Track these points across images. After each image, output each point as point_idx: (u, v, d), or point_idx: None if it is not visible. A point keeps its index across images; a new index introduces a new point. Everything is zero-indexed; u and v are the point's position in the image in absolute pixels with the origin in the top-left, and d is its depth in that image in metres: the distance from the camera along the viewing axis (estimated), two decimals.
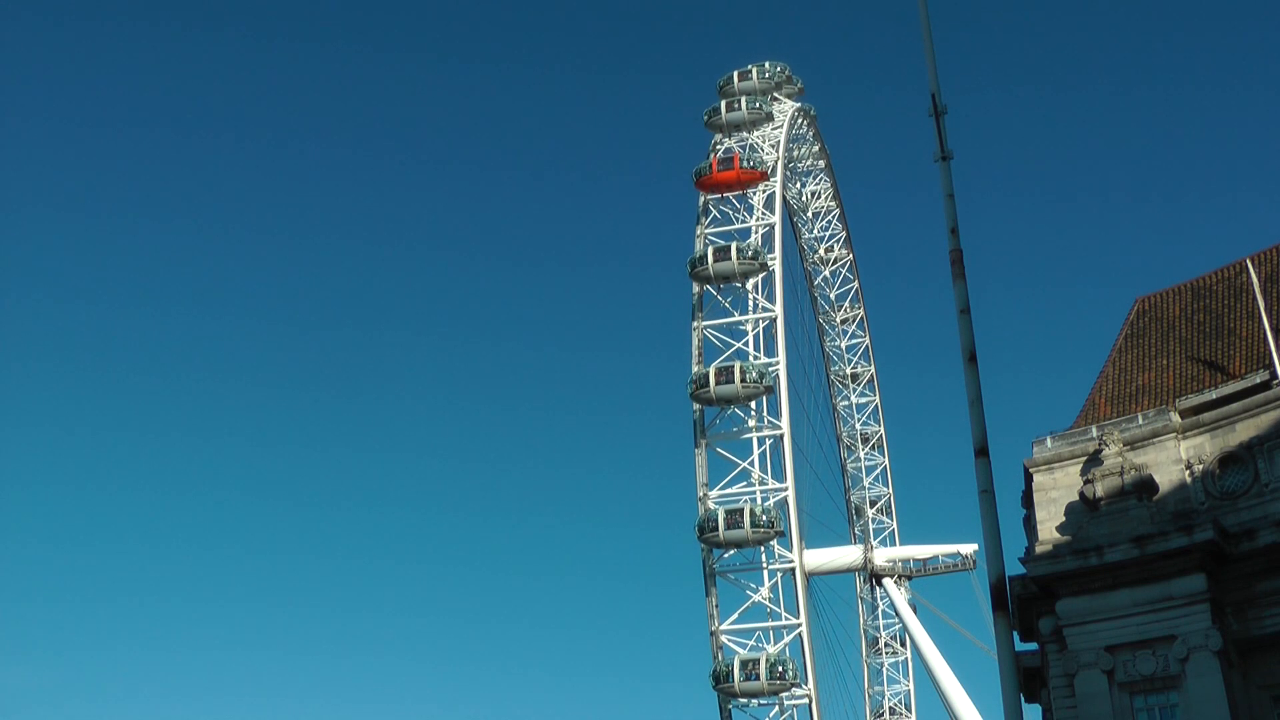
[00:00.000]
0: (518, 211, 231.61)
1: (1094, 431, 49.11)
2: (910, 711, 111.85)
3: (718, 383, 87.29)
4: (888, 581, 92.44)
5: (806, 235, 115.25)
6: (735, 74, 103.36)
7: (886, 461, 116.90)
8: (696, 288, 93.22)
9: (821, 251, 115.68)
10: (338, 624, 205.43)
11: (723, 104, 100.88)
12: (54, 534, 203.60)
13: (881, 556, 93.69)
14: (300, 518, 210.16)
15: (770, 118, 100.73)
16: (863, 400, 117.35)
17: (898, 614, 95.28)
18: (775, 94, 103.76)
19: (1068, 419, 52.57)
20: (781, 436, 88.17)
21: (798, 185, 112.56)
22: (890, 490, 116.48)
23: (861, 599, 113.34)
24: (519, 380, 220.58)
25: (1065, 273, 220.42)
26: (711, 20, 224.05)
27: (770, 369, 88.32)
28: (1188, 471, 47.31)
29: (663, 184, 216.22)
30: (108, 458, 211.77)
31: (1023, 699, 42.63)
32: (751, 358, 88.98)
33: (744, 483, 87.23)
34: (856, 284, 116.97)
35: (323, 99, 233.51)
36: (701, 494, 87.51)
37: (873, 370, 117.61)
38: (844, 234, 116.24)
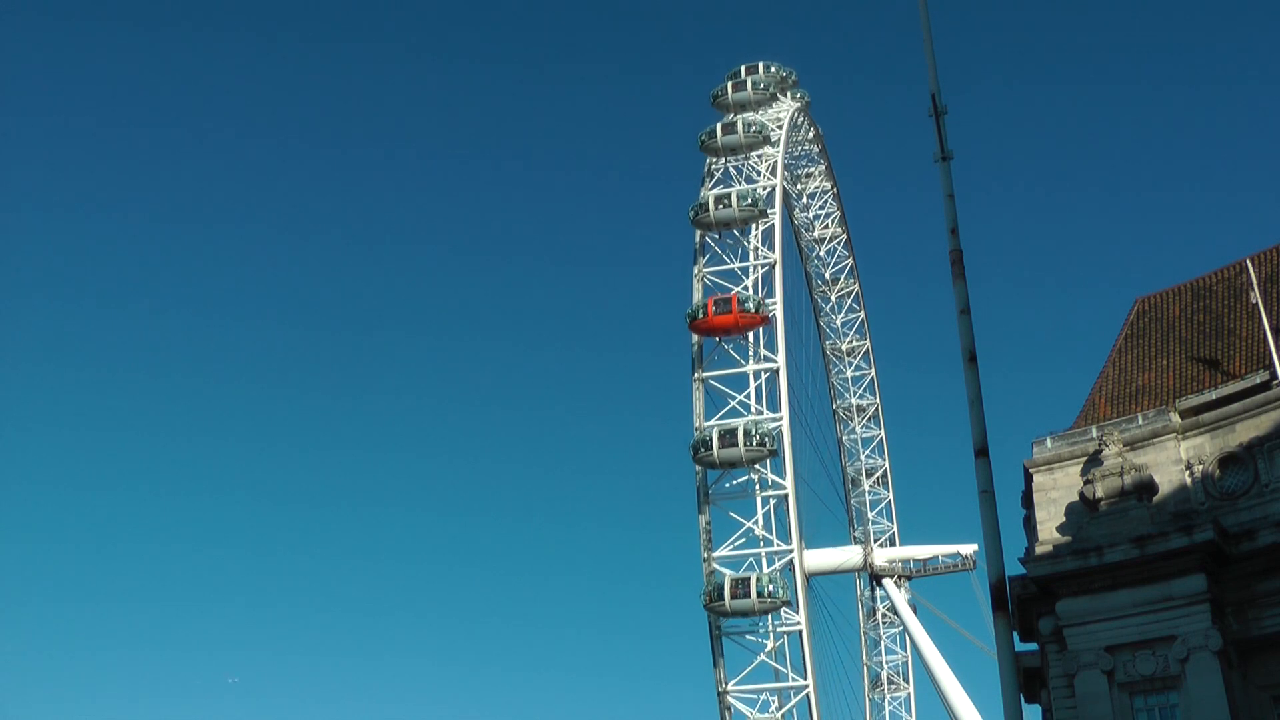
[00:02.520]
0: (517, 211, 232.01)
1: (1094, 432, 49.09)
2: (910, 714, 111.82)
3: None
4: (888, 582, 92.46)
5: (806, 235, 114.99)
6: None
7: (887, 463, 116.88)
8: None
9: (818, 244, 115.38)
10: (338, 624, 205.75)
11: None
12: (54, 534, 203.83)
13: (882, 557, 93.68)
14: (300, 518, 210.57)
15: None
16: (864, 403, 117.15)
17: (898, 614, 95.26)
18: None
19: (1068, 419, 52.62)
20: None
21: (792, 173, 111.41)
22: (890, 495, 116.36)
23: (862, 603, 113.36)
24: (519, 380, 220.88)
25: (1065, 273, 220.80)
26: (711, 20, 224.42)
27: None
28: (1188, 472, 47.29)
29: (663, 184, 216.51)
30: (108, 458, 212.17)
31: (1023, 699, 42.70)
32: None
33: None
34: (857, 286, 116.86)
35: (323, 99, 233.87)
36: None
37: (873, 373, 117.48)
38: (844, 234, 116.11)
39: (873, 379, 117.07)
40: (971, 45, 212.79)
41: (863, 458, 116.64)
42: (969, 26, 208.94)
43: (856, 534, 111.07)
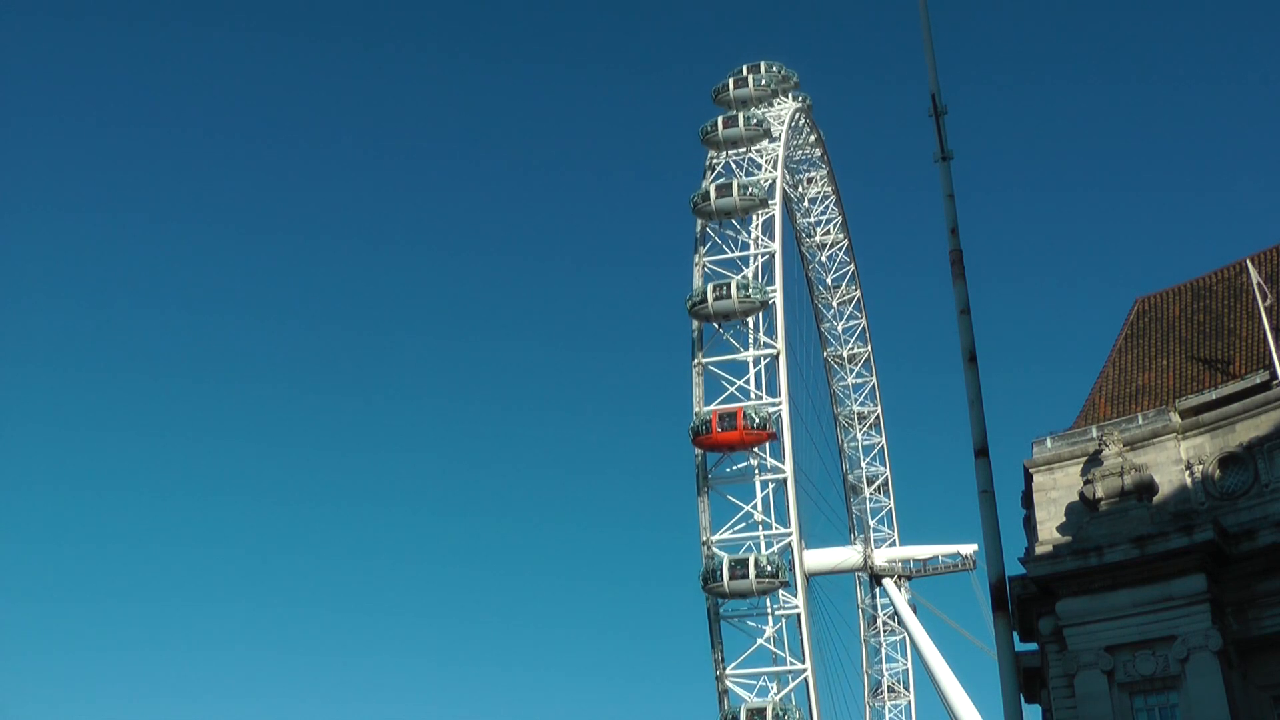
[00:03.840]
0: (517, 211, 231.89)
1: (1094, 432, 49.08)
2: (908, 690, 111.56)
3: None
4: (888, 582, 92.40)
5: (807, 240, 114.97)
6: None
7: (888, 472, 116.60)
8: (696, 325, 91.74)
9: (820, 250, 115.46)
10: (338, 624, 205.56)
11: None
12: (54, 534, 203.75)
13: (882, 557, 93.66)
14: (300, 518, 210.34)
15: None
16: (864, 409, 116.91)
17: (898, 615, 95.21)
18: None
19: (1068, 419, 52.60)
20: (784, 480, 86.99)
21: (793, 176, 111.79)
22: (891, 502, 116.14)
23: (862, 609, 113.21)
24: (519, 380, 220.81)
25: (1065, 273, 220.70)
26: (711, 20, 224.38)
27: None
28: (1188, 472, 47.29)
29: (663, 184, 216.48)
30: (108, 458, 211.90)
31: (1023, 699, 42.66)
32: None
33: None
34: (858, 293, 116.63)
35: (323, 99, 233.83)
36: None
37: (874, 381, 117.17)
38: (845, 240, 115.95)
39: (874, 387, 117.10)
40: (971, 45, 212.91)
41: (864, 465, 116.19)
42: (969, 26, 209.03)
43: (856, 541, 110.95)
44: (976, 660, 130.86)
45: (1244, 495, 45.85)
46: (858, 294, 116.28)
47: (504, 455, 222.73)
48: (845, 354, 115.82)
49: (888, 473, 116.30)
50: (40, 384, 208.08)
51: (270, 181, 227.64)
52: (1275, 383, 46.75)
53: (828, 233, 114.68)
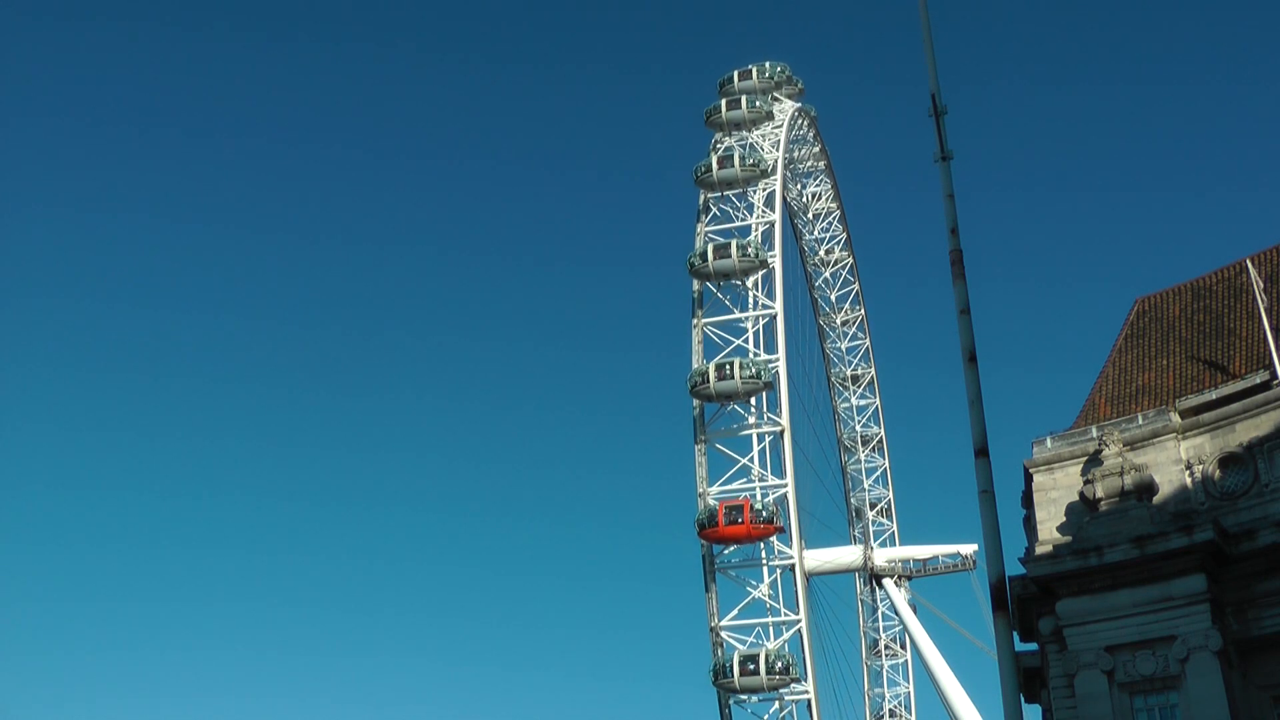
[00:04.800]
0: (518, 211, 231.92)
1: (1094, 432, 49.10)
2: (910, 713, 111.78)
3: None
4: (888, 582, 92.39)
5: (807, 237, 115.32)
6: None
7: (886, 463, 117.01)
8: (696, 285, 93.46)
9: (822, 253, 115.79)
10: (338, 624, 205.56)
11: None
12: (54, 534, 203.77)
13: (881, 557, 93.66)
14: (300, 518, 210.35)
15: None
16: (863, 403, 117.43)
17: (898, 614, 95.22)
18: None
19: (1068, 419, 52.62)
20: (781, 433, 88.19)
21: (798, 187, 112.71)
22: (890, 494, 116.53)
23: (862, 600, 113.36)
24: (519, 380, 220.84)
25: (1065, 273, 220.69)
26: (711, 20, 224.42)
27: (770, 366, 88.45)
28: (1188, 472, 47.29)
29: (663, 184, 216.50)
30: (108, 458, 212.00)
31: (1023, 699, 42.69)
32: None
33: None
34: (857, 286, 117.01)
35: (323, 99, 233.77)
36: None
37: (873, 373, 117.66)
38: (844, 236, 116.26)
39: (877, 408, 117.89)
40: (971, 45, 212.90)
41: (862, 458, 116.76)
42: (969, 26, 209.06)
43: (856, 532, 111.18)
44: (976, 660, 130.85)
45: (1244, 495, 45.86)
46: (861, 314, 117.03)
47: (504, 455, 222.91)
48: (849, 374, 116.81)
49: (886, 464, 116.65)
50: (40, 384, 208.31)
51: (270, 181, 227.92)
52: (1275, 383, 46.76)
53: (831, 251, 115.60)
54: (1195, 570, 43.84)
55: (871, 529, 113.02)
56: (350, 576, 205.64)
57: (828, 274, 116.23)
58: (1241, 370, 49.67)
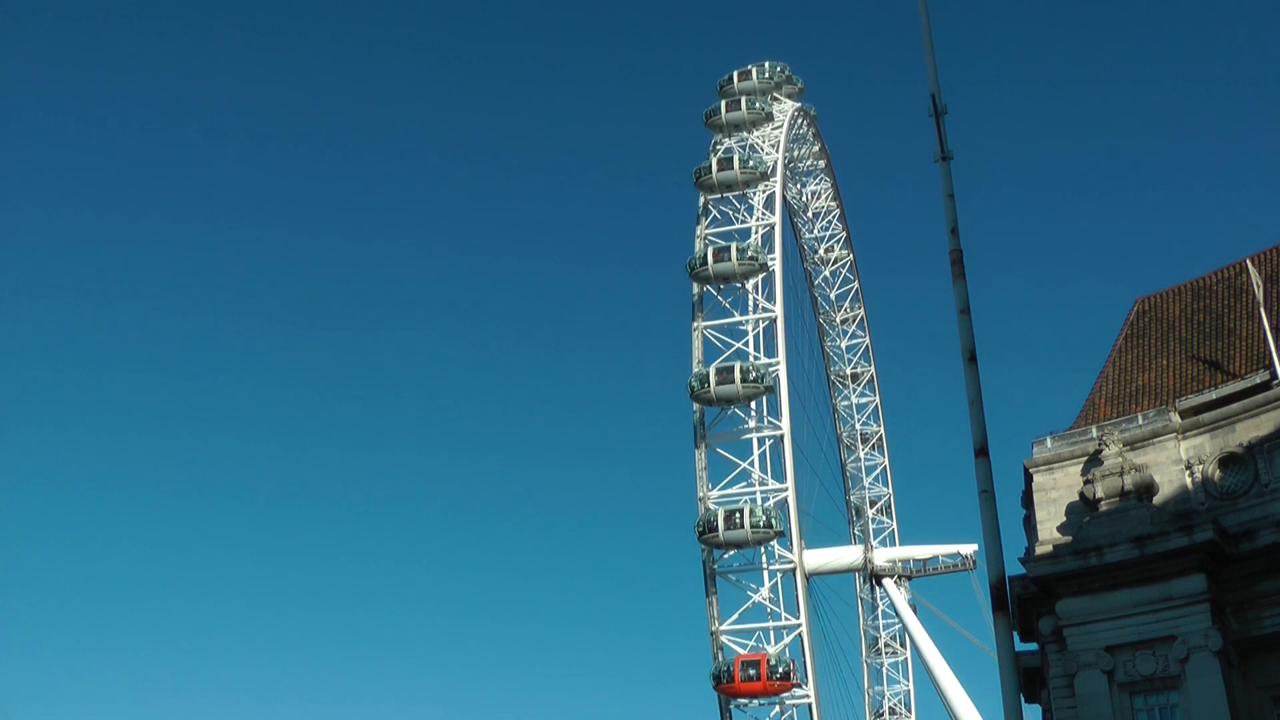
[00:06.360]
0: (518, 212, 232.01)
1: (1094, 432, 49.07)
2: (910, 712, 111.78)
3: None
4: (888, 581, 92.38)
5: (807, 235, 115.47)
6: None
7: (886, 462, 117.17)
8: (696, 288, 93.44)
9: (822, 251, 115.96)
10: (338, 624, 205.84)
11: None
12: (54, 534, 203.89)
13: (881, 557, 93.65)
14: (300, 518, 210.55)
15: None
16: (863, 401, 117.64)
17: (898, 614, 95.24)
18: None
19: (1068, 419, 52.58)
20: (781, 436, 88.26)
21: (798, 185, 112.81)
22: (890, 491, 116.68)
23: (861, 599, 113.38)
24: (519, 381, 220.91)
25: (1065, 273, 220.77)
26: (711, 20, 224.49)
27: (770, 369, 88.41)
28: (1188, 472, 47.27)
29: (663, 184, 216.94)
30: (108, 458, 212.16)
31: (1023, 699, 42.65)
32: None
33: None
34: (857, 284, 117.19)
35: (323, 99, 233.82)
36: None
37: (873, 371, 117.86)
38: (844, 234, 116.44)
39: (877, 405, 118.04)
40: (971, 45, 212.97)
41: (862, 456, 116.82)
42: (969, 26, 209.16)
43: (856, 530, 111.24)
44: (976, 660, 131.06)
45: (1244, 495, 45.83)
46: (861, 312, 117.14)
47: (504, 455, 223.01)
48: (848, 372, 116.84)
49: (886, 462, 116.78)
50: (40, 384, 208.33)
51: (270, 181, 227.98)
52: (1275, 383, 46.73)
53: (831, 250, 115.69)
54: (1195, 570, 43.81)
55: (871, 527, 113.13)
56: (350, 576, 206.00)
57: (827, 272, 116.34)
58: (1241, 370, 49.65)
